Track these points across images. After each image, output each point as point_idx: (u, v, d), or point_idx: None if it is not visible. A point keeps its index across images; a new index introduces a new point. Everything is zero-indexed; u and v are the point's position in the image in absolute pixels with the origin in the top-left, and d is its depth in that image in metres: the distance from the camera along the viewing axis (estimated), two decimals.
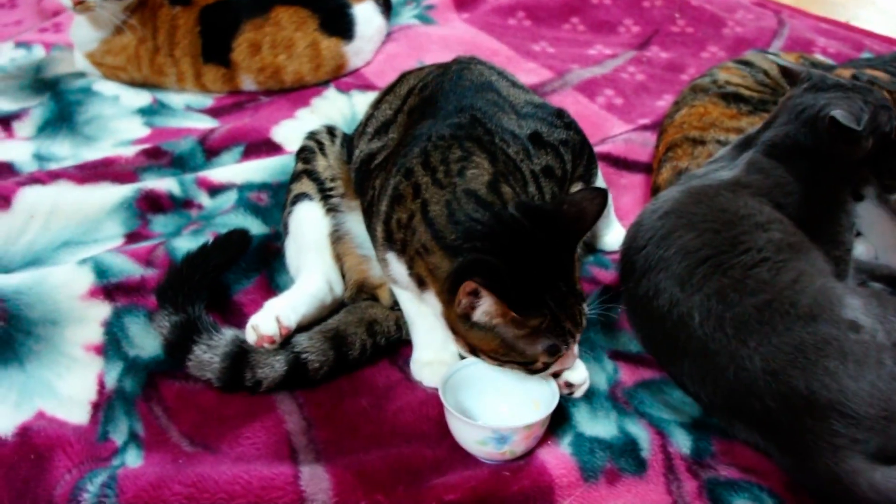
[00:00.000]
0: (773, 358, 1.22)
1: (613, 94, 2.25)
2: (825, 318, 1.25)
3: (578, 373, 1.32)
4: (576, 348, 1.24)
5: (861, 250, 1.63)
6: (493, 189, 1.22)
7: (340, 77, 2.26)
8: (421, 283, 1.22)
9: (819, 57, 2.23)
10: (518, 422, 1.22)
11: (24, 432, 1.26)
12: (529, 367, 1.21)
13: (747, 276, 1.29)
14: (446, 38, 2.38)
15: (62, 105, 2.06)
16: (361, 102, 2.12)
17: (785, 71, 1.55)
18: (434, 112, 1.32)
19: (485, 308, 1.13)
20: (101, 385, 1.35)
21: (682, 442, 1.30)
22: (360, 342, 1.38)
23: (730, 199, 1.40)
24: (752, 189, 1.42)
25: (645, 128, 2.04)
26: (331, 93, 2.18)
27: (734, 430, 1.31)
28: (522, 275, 1.14)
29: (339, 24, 2.22)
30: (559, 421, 1.30)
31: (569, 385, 1.32)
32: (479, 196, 1.21)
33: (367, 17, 2.29)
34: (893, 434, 1.18)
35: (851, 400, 1.18)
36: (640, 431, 1.31)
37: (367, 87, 2.20)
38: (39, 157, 1.89)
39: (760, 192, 1.42)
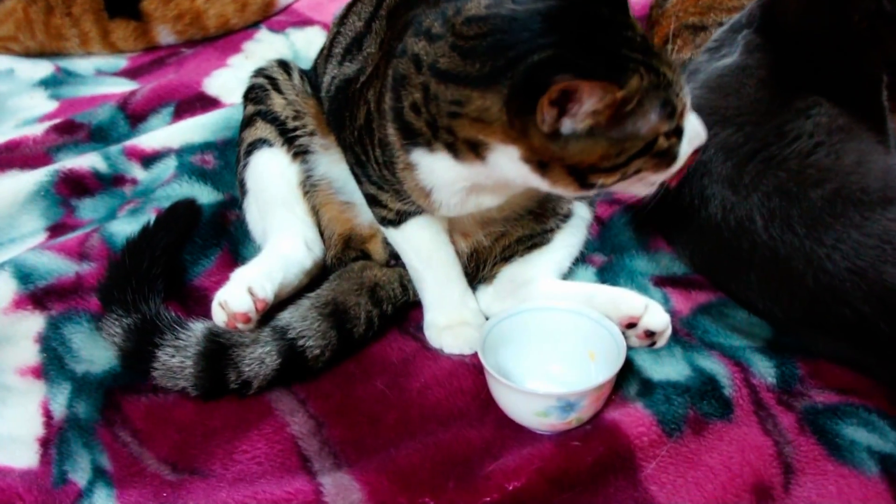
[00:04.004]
0: (857, 254, 1.08)
1: None
2: None
3: (658, 317, 1.09)
4: (693, 115, 0.97)
5: None
6: (494, 4, 0.98)
7: (271, 16, 2.05)
8: (477, 149, 0.96)
9: None
10: (580, 383, 0.99)
11: None
12: (654, 153, 0.93)
13: (806, 164, 1.17)
14: None
15: None
16: (302, 40, 1.93)
17: None
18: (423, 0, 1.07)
19: (580, 107, 0.89)
20: (48, 415, 1.11)
21: (764, 370, 1.13)
22: (366, 314, 1.15)
23: (757, 86, 1.26)
24: (762, 72, 1.28)
25: None
26: (264, 34, 1.98)
27: (818, 346, 1.15)
28: (584, 46, 0.90)
29: None
30: (620, 369, 1.08)
31: (649, 334, 1.10)
32: (475, 16, 0.97)
33: None
34: None
35: None
36: (714, 366, 1.12)
37: (304, 22, 2.00)
38: None
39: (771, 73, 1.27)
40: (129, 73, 1.89)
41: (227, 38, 1.96)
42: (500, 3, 0.98)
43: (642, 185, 0.96)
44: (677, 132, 0.94)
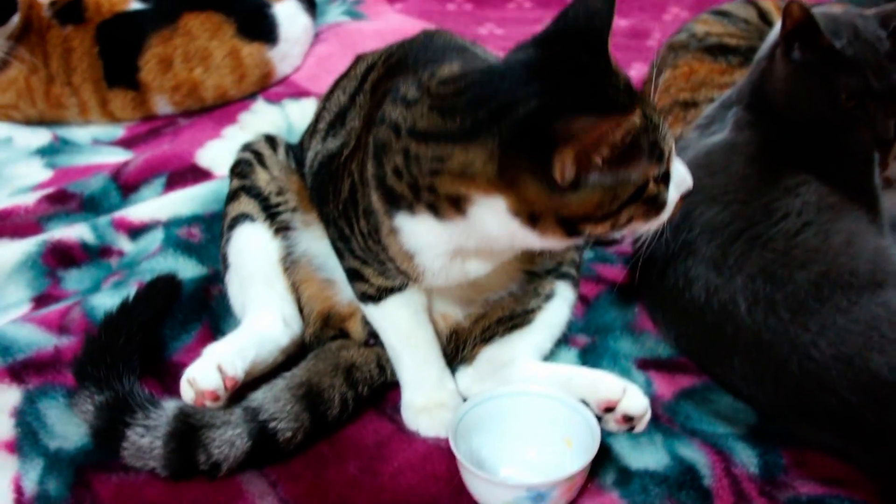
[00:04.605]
0: (842, 340, 1.05)
1: None
2: (893, 283, 1.09)
3: (637, 401, 1.08)
4: (679, 161, 0.96)
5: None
6: (469, 68, 0.99)
7: (269, 87, 2.04)
8: (458, 203, 0.94)
9: None
10: (555, 471, 0.97)
11: None
12: (645, 198, 0.91)
13: (793, 245, 1.14)
14: (382, 33, 2.15)
15: None
16: (297, 112, 1.91)
17: None
18: (405, 72, 1.07)
19: (603, 151, 0.86)
20: (19, 491, 1.09)
21: (746, 459, 1.10)
22: (340, 396, 1.12)
23: (745, 164, 1.25)
24: (750, 149, 1.27)
25: None
26: (260, 105, 1.97)
27: (804, 434, 1.12)
28: (570, 91, 0.89)
29: (260, 28, 1.99)
30: (597, 456, 1.05)
31: (627, 419, 1.08)
32: (449, 76, 0.97)
33: (290, 16, 2.06)
34: None
35: None
36: (695, 454, 1.10)
37: (300, 94, 1.99)
38: None
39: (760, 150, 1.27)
40: (126, 143, 1.88)
41: (223, 109, 1.95)
42: (473, 61, 0.99)
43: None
44: (665, 178, 0.93)
